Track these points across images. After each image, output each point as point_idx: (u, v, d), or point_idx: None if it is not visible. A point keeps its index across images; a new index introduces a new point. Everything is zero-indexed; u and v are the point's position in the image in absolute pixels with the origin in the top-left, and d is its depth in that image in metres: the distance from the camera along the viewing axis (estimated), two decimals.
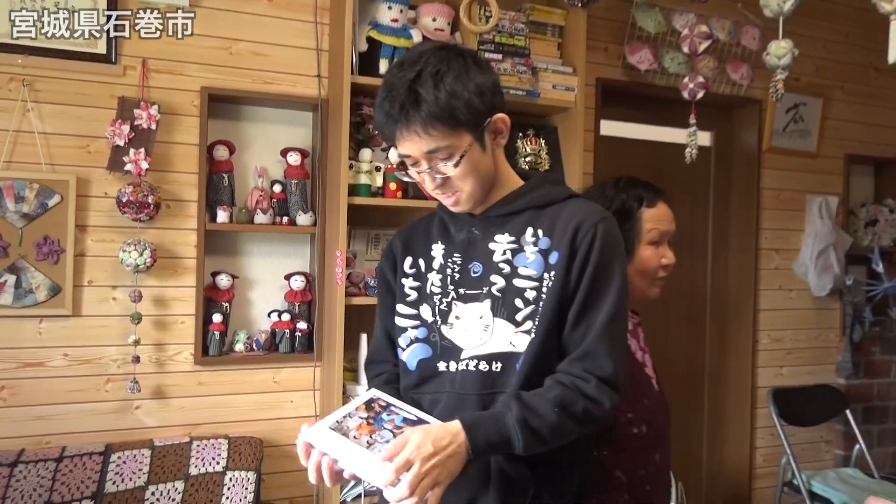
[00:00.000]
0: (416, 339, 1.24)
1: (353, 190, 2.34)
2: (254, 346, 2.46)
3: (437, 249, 1.26)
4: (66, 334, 2.24)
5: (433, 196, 1.22)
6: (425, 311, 1.24)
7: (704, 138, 3.35)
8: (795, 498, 3.12)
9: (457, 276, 1.22)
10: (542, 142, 2.73)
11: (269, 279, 2.53)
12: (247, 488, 2.19)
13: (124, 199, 2.20)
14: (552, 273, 1.15)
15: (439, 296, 1.23)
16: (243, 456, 2.22)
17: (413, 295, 1.26)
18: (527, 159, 2.69)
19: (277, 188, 2.49)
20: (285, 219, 2.46)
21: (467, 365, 1.17)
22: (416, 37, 2.38)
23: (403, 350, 1.25)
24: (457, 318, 1.20)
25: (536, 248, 1.18)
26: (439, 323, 1.22)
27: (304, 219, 2.46)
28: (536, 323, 1.14)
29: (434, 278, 1.24)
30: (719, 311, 3.42)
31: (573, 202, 1.23)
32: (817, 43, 3.40)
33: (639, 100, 3.16)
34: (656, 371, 1.57)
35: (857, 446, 3.30)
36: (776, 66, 1.96)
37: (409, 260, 1.29)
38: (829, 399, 3.35)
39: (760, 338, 3.36)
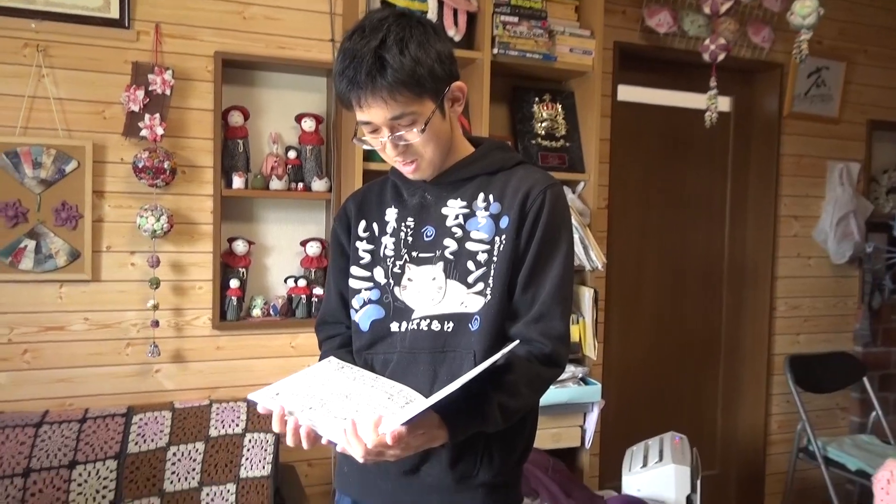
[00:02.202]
0: (370, 301, 1.25)
1: (368, 155, 2.32)
2: (271, 312, 2.47)
3: (391, 213, 1.28)
4: (86, 299, 2.27)
5: (392, 163, 1.23)
6: (378, 274, 1.26)
7: (724, 104, 3.29)
8: (810, 464, 3.12)
9: (410, 239, 1.24)
10: (559, 107, 2.69)
11: (284, 245, 2.54)
12: (266, 450, 2.22)
13: (140, 165, 2.20)
14: (503, 237, 1.18)
15: (392, 258, 1.25)
16: (262, 419, 2.25)
17: (367, 258, 1.28)
18: (543, 125, 2.66)
19: (292, 154, 2.48)
20: (300, 185, 2.46)
21: (418, 325, 1.20)
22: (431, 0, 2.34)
23: (356, 311, 1.27)
24: (409, 280, 1.23)
25: (487, 213, 1.21)
26: (392, 285, 1.24)
27: (319, 185, 2.46)
28: (490, 285, 1.17)
29: (387, 241, 1.26)
30: (736, 278, 3.39)
31: (522, 169, 1.26)
32: (841, 5, 3.31)
33: (657, 64, 3.10)
34: None
35: (874, 413, 3.29)
36: (801, 25, 1.91)
37: (362, 223, 1.31)
38: (846, 366, 3.33)
39: (778, 305, 3.33)
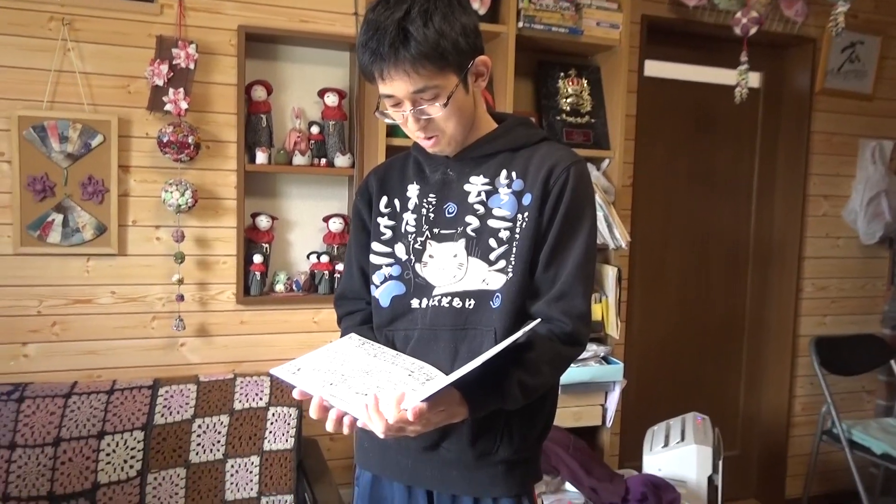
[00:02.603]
0: (391, 277, 1.25)
1: (392, 131, 2.31)
2: (293, 287, 2.49)
3: (413, 189, 1.28)
4: (112, 272, 2.30)
5: (414, 138, 1.22)
6: (399, 250, 1.26)
7: (753, 79, 3.22)
8: (834, 446, 3.10)
9: (431, 215, 1.24)
10: (584, 82, 2.65)
11: (307, 221, 2.55)
12: (289, 423, 2.25)
13: (165, 140, 2.21)
14: (525, 214, 1.18)
15: (413, 235, 1.25)
16: (285, 393, 2.27)
17: (388, 234, 1.28)
18: (568, 100, 2.62)
19: (315, 129, 2.48)
20: (323, 160, 2.46)
21: (439, 301, 1.20)
22: None
23: (377, 287, 1.27)
24: (430, 256, 1.22)
25: (510, 190, 1.20)
26: (413, 261, 1.24)
27: (342, 160, 2.46)
28: (512, 262, 1.17)
29: (409, 218, 1.26)
30: (762, 258, 3.35)
31: (546, 145, 1.24)
32: None
33: (686, 38, 3.04)
34: None
35: None
36: None
37: (384, 199, 1.30)
38: (873, 349, 3.28)
39: (804, 286, 3.29)
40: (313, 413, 1.07)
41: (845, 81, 3.23)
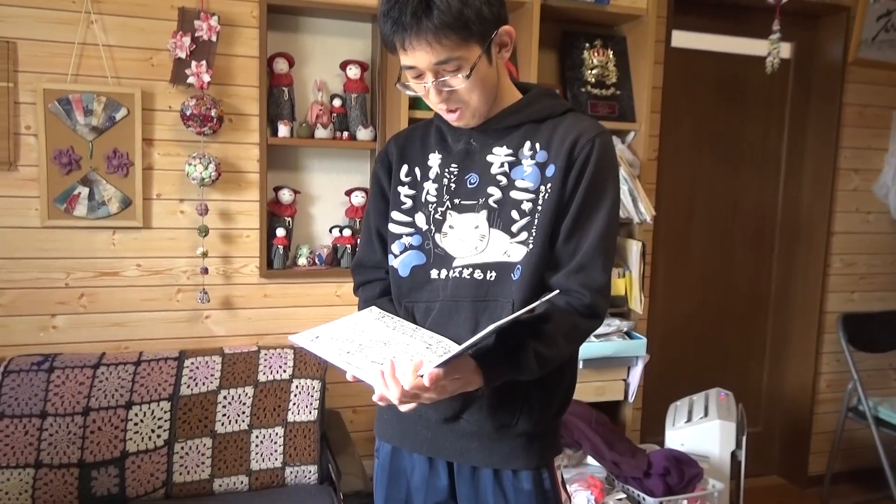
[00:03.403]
0: (411, 247, 1.24)
1: (414, 103, 2.29)
2: (316, 261, 2.50)
3: (434, 159, 1.26)
4: (137, 245, 2.32)
5: (436, 110, 1.21)
6: (420, 220, 1.25)
7: (784, 50, 3.14)
8: (859, 424, 3.07)
9: (453, 186, 1.22)
10: (610, 53, 2.61)
11: (329, 195, 2.55)
12: (312, 395, 2.27)
13: (188, 113, 2.22)
14: (548, 185, 1.16)
15: (434, 205, 1.23)
16: (308, 365, 2.29)
17: (408, 203, 1.27)
18: (593, 72, 2.58)
19: (337, 102, 2.47)
20: (345, 134, 2.45)
21: (460, 273, 1.19)
22: None
23: (396, 256, 1.26)
24: (451, 227, 1.21)
25: (533, 162, 1.18)
26: (433, 231, 1.22)
27: (364, 133, 2.45)
28: (534, 234, 1.15)
29: (430, 187, 1.25)
30: (789, 232, 3.30)
31: (571, 116, 1.22)
32: None
33: (714, 7, 2.97)
34: None
35: None
36: None
37: (404, 168, 1.29)
38: None
39: (832, 262, 3.24)
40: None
41: (880, 52, 3.14)
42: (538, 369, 1.11)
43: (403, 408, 1.05)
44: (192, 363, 2.21)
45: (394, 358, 1.06)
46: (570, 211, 1.16)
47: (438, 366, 1.00)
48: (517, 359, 1.10)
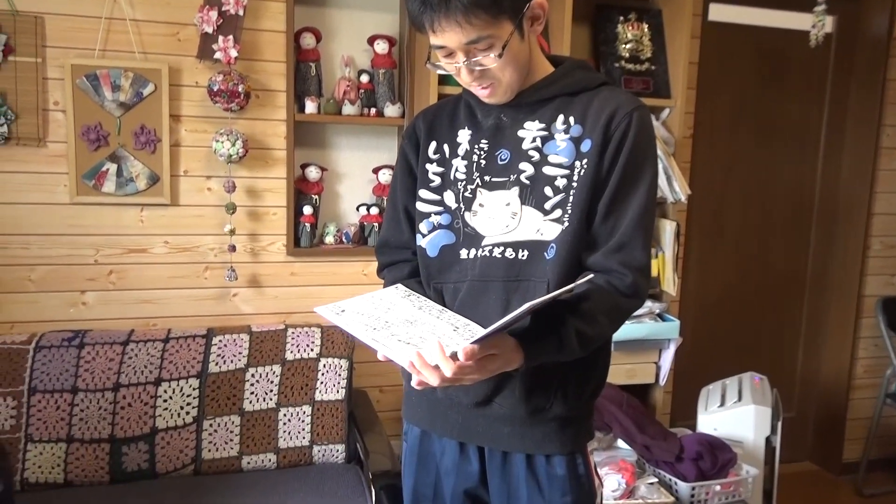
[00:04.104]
0: (440, 226, 1.22)
1: (443, 79, 2.25)
2: (343, 239, 2.48)
3: (464, 135, 1.23)
4: (165, 223, 2.32)
5: (467, 87, 1.17)
6: (449, 198, 1.22)
7: (826, 24, 3.03)
8: None
9: (483, 162, 1.20)
10: (645, 27, 2.54)
11: (357, 172, 2.53)
12: (340, 374, 2.27)
13: (215, 88, 2.20)
14: (584, 161, 1.13)
15: (464, 182, 1.21)
16: (336, 344, 2.29)
17: (436, 181, 1.24)
18: (627, 47, 2.52)
19: (365, 78, 2.43)
20: (373, 110, 2.42)
21: (490, 252, 1.16)
22: None
23: (424, 236, 1.23)
24: (481, 205, 1.18)
25: (567, 136, 1.15)
26: (463, 210, 1.20)
27: (391, 110, 2.41)
28: (569, 211, 1.12)
29: (459, 164, 1.22)
30: (827, 213, 3.21)
31: (606, 90, 1.19)
32: None
33: None
34: None
35: None
36: None
37: (433, 144, 1.26)
38: None
39: (872, 244, 3.15)
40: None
41: None
42: (579, 349, 1.08)
43: (440, 388, 1.02)
44: (220, 341, 2.21)
45: (420, 338, 1.03)
46: (607, 188, 1.12)
47: (475, 342, 0.97)
48: (559, 337, 1.06)
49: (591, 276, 1.06)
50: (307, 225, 2.42)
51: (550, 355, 1.08)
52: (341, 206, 2.54)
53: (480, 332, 1.04)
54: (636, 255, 1.12)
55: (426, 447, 1.29)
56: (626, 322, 2.40)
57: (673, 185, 2.42)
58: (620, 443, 2.35)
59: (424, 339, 1.03)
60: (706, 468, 2.20)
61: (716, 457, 2.23)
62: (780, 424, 2.45)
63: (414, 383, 1.01)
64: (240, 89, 2.20)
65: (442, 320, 1.11)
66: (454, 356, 0.97)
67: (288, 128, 2.35)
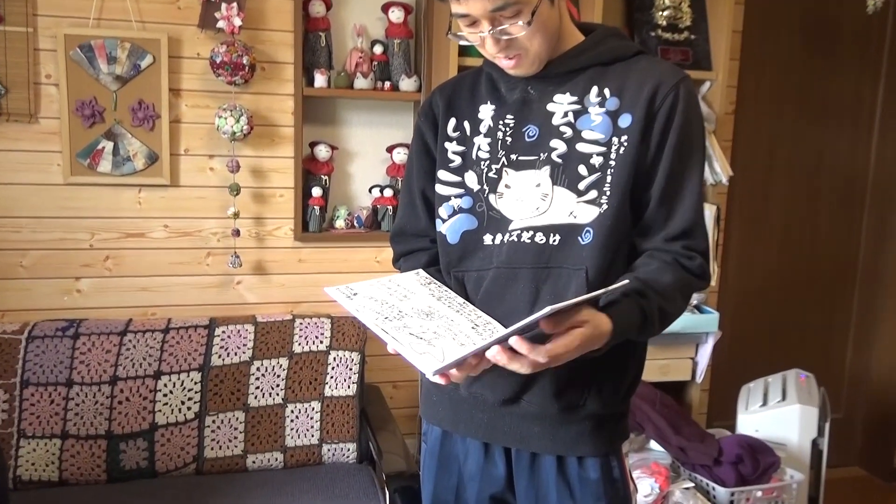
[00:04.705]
0: (460, 210, 1.21)
1: (464, 50, 2.23)
2: (355, 223, 2.48)
3: (486, 110, 1.22)
4: (165, 205, 2.33)
5: (491, 59, 1.16)
6: (470, 179, 1.21)
7: None
8: None
9: (508, 140, 1.18)
10: None
11: (369, 151, 2.52)
12: (351, 369, 2.27)
13: (218, 60, 2.19)
14: (623, 138, 1.11)
15: (487, 162, 1.19)
16: (347, 336, 2.29)
17: (457, 161, 1.23)
18: (664, 13, 2.48)
19: (378, 49, 2.42)
20: (387, 84, 2.41)
21: (519, 236, 1.14)
22: None
23: (444, 221, 1.22)
24: (507, 186, 1.17)
25: (603, 110, 1.13)
26: (487, 192, 1.19)
27: (407, 83, 2.40)
28: (607, 193, 1.11)
29: (482, 142, 1.21)
30: (881, 197, 3.16)
31: (643, 59, 1.17)
32: None
33: None
34: None
35: None
36: None
37: (452, 121, 1.24)
38: None
39: None
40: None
41: None
42: (658, 328, 1.09)
43: (464, 385, 1.01)
44: (223, 332, 2.22)
45: (435, 334, 1.02)
46: (658, 171, 1.12)
47: (552, 312, 0.93)
48: (644, 314, 1.05)
49: (627, 281, 1.05)
50: (316, 208, 2.42)
51: (632, 333, 1.06)
52: (353, 187, 2.54)
53: (501, 330, 1.03)
54: (700, 241, 1.13)
55: (448, 449, 1.29)
56: None
57: (713, 165, 2.40)
58: (653, 444, 2.34)
59: (439, 336, 1.02)
60: (746, 472, 2.19)
61: (757, 460, 2.22)
62: (827, 426, 2.43)
63: (433, 377, 1.00)
64: (244, 61, 2.20)
65: (462, 315, 1.10)
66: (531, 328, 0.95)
67: (296, 103, 2.35)
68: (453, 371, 0.99)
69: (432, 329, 1.04)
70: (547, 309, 0.92)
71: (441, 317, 1.08)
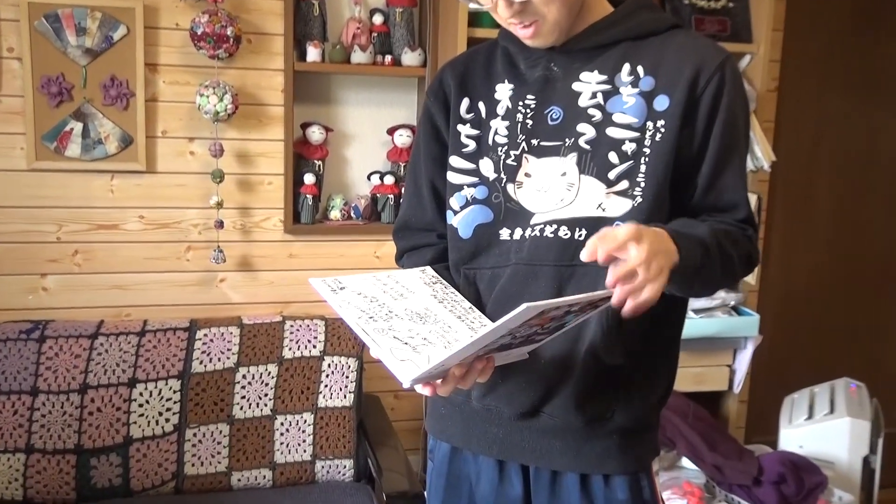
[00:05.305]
0: (474, 200, 1.21)
1: (475, 19, 2.23)
2: (352, 214, 2.48)
3: (503, 90, 1.22)
4: (140, 193, 2.33)
5: (506, 26, 1.16)
6: (486, 167, 1.20)
7: None
8: None
9: (529, 123, 1.18)
10: None
11: (368, 133, 2.52)
12: (347, 377, 2.27)
13: (199, 31, 2.19)
14: (659, 122, 1.11)
15: (505, 147, 1.19)
16: (343, 340, 2.29)
17: (471, 146, 1.22)
18: None
19: (378, 19, 2.42)
20: (388, 57, 2.41)
21: (542, 231, 1.14)
22: None
23: (455, 213, 1.22)
24: (527, 175, 1.17)
25: (636, 90, 1.13)
26: (504, 181, 1.18)
27: (411, 57, 2.40)
28: (641, 185, 1.11)
29: (499, 126, 1.20)
30: None
31: (679, 34, 1.17)
32: None
33: None
34: None
35: None
36: None
37: (465, 102, 1.24)
38: None
39: None
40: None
41: None
42: (720, 270, 1.06)
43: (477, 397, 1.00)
44: (206, 335, 2.23)
45: (424, 340, 1.02)
46: (706, 160, 1.12)
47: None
48: (705, 246, 1.03)
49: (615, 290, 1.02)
50: (308, 197, 2.42)
51: (695, 258, 1.01)
52: (349, 174, 2.54)
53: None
54: (750, 222, 1.15)
55: (457, 467, 1.28)
56: (694, 316, 2.42)
57: (754, 149, 2.40)
58: (686, 462, 2.34)
59: (428, 343, 1.02)
60: (790, 493, 2.19)
61: (802, 480, 2.22)
62: (880, 442, 2.43)
63: (422, 389, 0.98)
64: (228, 32, 2.20)
65: (463, 321, 1.10)
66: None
67: (286, 79, 2.35)
68: (439, 383, 0.99)
69: (422, 334, 1.04)
70: (522, 307, 0.89)
71: (437, 321, 1.08)
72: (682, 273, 0.99)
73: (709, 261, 1.03)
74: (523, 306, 0.89)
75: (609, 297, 0.97)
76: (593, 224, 1.12)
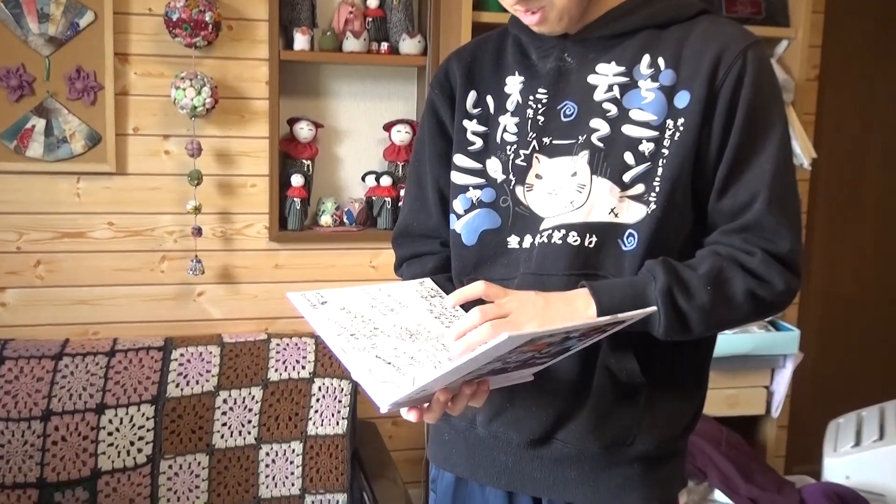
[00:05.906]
0: (480, 203, 1.21)
1: (480, 3, 2.25)
2: (344, 220, 2.49)
3: (514, 83, 1.22)
4: (109, 197, 2.34)
5: (512, 11, 1.16)
6: (493, 167, 1.21)
7: None
8: None
9: (541, 119, 1.19)
10: None
11: (363, 129, 2.54)
12: (340, 401, 2.28)
13: (175, 18, 2.21)
14: (679, 120, 1.11)
15: (515, 146, 1.20)
16: (335, 361, 2.30)
17: (478, 143, 1.23)
18: None
19: (373, 2, 2.44)
20: (384, 45, 2.42)
21: (549, 237, 1.14)
22: None
23: (459, 218, 1.23)
24: (538, 176, 1.17)
25: (656, 84, 1.13)
26: (513, 183, 1.19)
27: (409, 45, 2.42)
28: (656, 188, 1.11)
29: (508, 122, 1.21)
30: None
31: (705, 20, 1.16)
32: None
33: None
34: None
35: None
36: None
37: (472, 95, 1.25)
38: None
39: None
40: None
41: None
42: (671, 316, 1.05)
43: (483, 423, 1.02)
44: (182, 355, 2.24)
45: (411, 359, 1.02)
46: (724, 157, 1.11)
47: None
48: (643, 292, 1.04)
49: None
50: (296, 201, 2.43)
51: (625, 305, 1.04)
52: (342, 175, 2.55)
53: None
54: (768, 237, 1.09)
55: (462, 499, 1.29)
56: (727, 332, 2.41)
57: (793, 144, 2.40)
58: (718, 494, 2.35)
59: (415, 363, 1.02)
60: None
61: None
62: None
63: (410, 416, 0.99)
64: (207, 18, 2.21)
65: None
66: None
67: (271, 69, 2.36)
68: (426, 407, 0.99)
69: (410, 353, 1.04)
70: (503, 336, 0.89)
71: (430, 339, 1.08)
72: (607, 303, 1.04)
73: (663, 324, 1.05)
74: (504, 336, 0.88)
75: (617, 323, 0.97)
76: (605, 231, 1.12)
